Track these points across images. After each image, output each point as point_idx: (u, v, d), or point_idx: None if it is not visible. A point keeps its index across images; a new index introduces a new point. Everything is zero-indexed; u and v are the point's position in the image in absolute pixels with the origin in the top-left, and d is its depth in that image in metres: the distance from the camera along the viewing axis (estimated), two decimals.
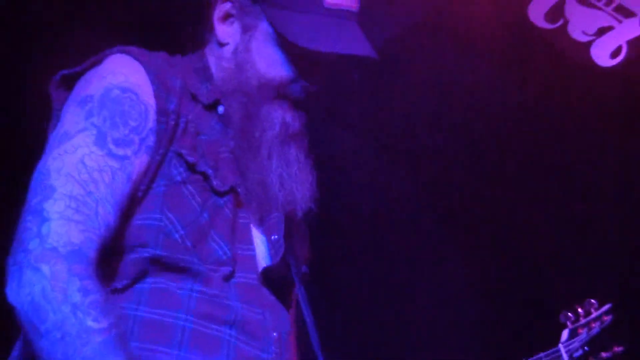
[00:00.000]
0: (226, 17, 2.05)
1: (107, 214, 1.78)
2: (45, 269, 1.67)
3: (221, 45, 2.05)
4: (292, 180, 2.01)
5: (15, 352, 1.86)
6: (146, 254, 1.85)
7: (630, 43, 4.19)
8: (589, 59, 4.26)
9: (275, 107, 2.02)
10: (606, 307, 2.35)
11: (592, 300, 2.38)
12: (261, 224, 2.03)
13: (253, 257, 1.96)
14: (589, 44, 4.26)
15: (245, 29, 2.03)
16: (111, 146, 1.83)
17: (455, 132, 4.21)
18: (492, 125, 4.27)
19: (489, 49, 4.10)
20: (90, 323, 1.65)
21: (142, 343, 1.83)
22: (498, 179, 4.28)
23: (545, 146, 4.21)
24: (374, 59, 1.97)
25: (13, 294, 1.66)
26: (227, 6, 2.03)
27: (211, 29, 2.10)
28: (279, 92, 2.02)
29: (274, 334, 1.94)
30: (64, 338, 1.64)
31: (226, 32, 2.05)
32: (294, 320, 2.11)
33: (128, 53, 1.94)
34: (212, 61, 2.09)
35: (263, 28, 2.01)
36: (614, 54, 4.19)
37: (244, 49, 2.03)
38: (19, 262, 1.68)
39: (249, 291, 1.92)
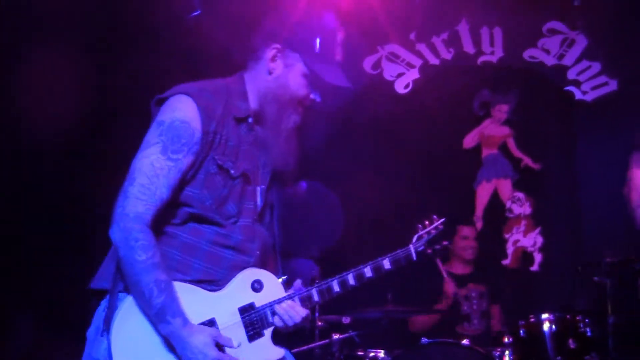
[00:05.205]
0: (274, 57, 2.65)
1: (161, 193, 2.42)
2: (122, 225, 2.38)
3: (269, 73, 2.65)
4: (291, 151, 2.69)
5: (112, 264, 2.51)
6: (191, 210, 2.52)
7: (413, 81, 6.76)
8: (393, 89, 6.75)
9: (294, 112, 2.67)
10: (441, 220, 2.87)
11: (434, 216, 2.88)
12: (262, 179, 2.67)
13: (252, 208, 2.63)
14: (393, 82, 6.77)
15: (287, 65, 2.65)
16: (169, 153, 2.44)
17: None
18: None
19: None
20: (136, 257, 2.37)
21: (182, 254, 2.53)
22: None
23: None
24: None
25: (111, 237, 2.40)
26: (275, 51, 2.65)
27: (256, 60, 2.67)
28: (299, 103, 2.67)
29: (257, 252, 2.63)
30: (127, 263, 2.39)
31: (273, 65, 2.64)
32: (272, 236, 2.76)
33: (188, 94, 2.52)
34: (249, 85, 2.66)
35: (298, 67, 2.65)
36: (405, 87, 6.74)
37: (284, 77, 2.65)
38: (112, 219, 2.39)
39: (247, 229, 2.60)
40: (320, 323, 5.12)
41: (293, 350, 4.49)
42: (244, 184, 2.59)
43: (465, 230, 5.94)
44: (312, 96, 2.70)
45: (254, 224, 2.63)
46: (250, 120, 2.65)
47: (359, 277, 2.71)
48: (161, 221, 2.50)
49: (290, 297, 2.63)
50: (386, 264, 2.73)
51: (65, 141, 5.15)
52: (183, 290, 2.48)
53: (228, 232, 2.56)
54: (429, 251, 2.82)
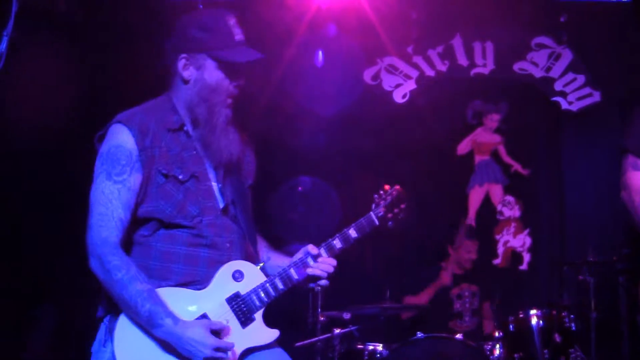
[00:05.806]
0: (185, 66, 2.69)
1: (119, 214, 2.54)
2: (94, 254, 2.52)
3: (186, 82, 2.70)
4: (231, 142, 2.71)
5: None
6: (157, 221, 2.62)
7: (410, 92, 6.84)
8: (392, 99, 6.83)
9: (222, 107, 2.69)
10: (396, 187, 2.95)
11: (387, 186, 2.96)
12: (216, 177, 2.73)
13: (213, 205, 2.70)
14: (391, 92, 6.86)
15: (198, 68, 2.68)
16: (114, 177, 2.57)
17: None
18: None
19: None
20: (113, 276, 2.49)
21: (160, 262, 2.62)
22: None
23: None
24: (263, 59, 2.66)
25: (90, 267, 2.53)
26: (184, 60, 2.69)
27: (174, 76, 2.73)
28: (226, 95, 2.69)
29: (227, 244, 2.71)
30: (107, 285, 2.51)
31: (187, 74, 2.70)
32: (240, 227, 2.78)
33: (120, 122, 2.63)
34: (176, 99, 2.73)
35: (209, 63, 2.68)
36: (403, 97, 6.85)
37: (200, 79, 2.68)
38: (87, 252, 2.53)
39: (213, 224, 2.68)
40: (322, 318, 5.25)
41: (296, 344, 4.91)
42: (197, 185, 2.69)
43: (471, 246, 6.17)
44: (234, 84, 2.72)
45: (218, 219, 2.71)
46: (186, 128, 2.74)
47: (330, 249, 2.81)
48: (133, 236, 2.66)
49: (272, 280, 2.73)
50: (352, 233, 2.83)
51: (65, 140, 5.21)
52: (169, 294, 2.58)
53: (198, 232, 2.67)
54: (389, 215, 2.91)
